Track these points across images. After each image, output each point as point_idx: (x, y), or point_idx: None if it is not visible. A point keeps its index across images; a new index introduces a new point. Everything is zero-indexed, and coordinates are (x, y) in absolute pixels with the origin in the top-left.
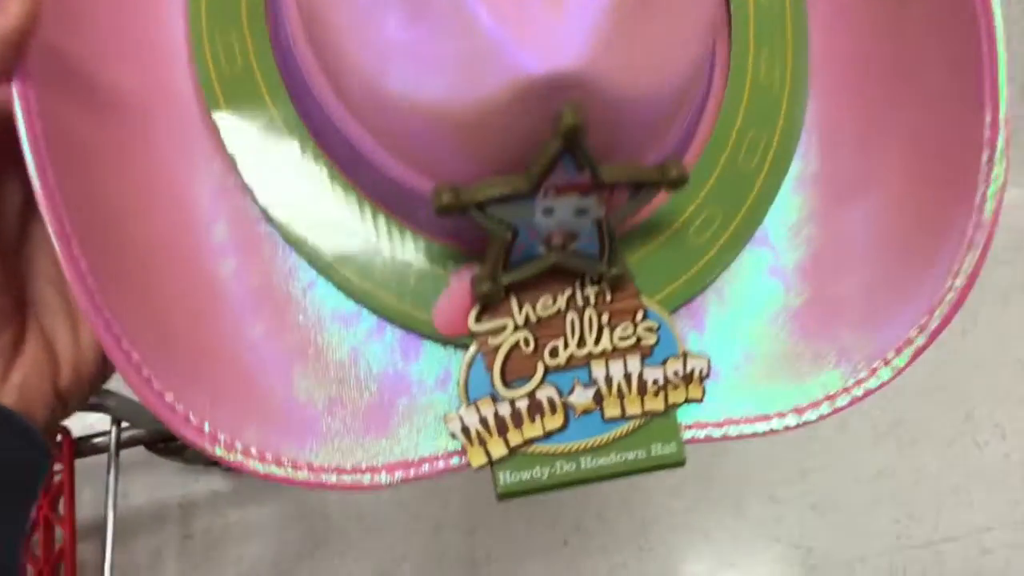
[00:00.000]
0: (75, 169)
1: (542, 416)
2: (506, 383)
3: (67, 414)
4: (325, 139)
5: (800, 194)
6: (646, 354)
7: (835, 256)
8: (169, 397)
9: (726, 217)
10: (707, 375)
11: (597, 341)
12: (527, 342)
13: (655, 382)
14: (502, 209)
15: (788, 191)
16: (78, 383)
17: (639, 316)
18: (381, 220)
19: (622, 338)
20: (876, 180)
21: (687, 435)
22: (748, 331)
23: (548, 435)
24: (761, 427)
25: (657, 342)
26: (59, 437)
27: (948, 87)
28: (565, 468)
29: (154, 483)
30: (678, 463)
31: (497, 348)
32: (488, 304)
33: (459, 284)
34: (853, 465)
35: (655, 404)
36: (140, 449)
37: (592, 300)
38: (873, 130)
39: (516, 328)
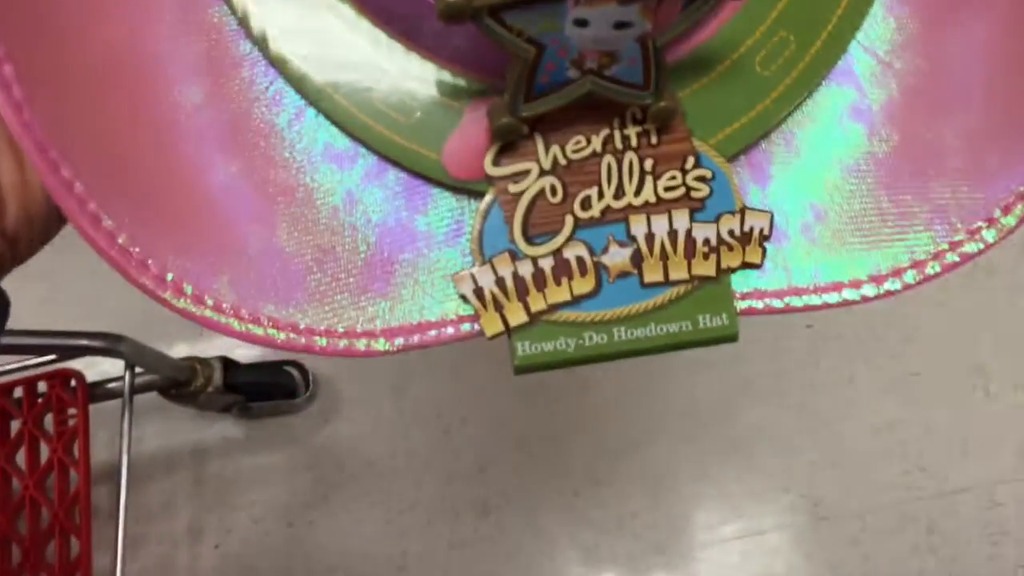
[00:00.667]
0: None
1: (570, 278)
2: (528, 238)
3: (17, 259)
4: None
5: (894, 16)
6: (696, 208)
7: (933, 93)
8: (123, 238)
9: (801, 44)
10: (769, 236)
11: (638, 191)
12: (554, 190)
13: (706, 242)
14: (523, 17)
15: (880, 12)
16: (27, 223)
17: (689, 162)
18: (382, 38)
19: (668, 188)
20: None
21: (742, 305)
22: (821, 184)
23: (576, 300)
24: (832, 297)
25: (710, 194)
26: (73, 382)
27: None
28: (595, 340)
29: (167, 429)
30: (730, 337)
31: (519, 196)
32: (509, 143)
33: (474, 119)
34: (864, 416)
35: (705, 268)
36: (153, 395)
37: (633, 142)
38: None
39: (542, 173)
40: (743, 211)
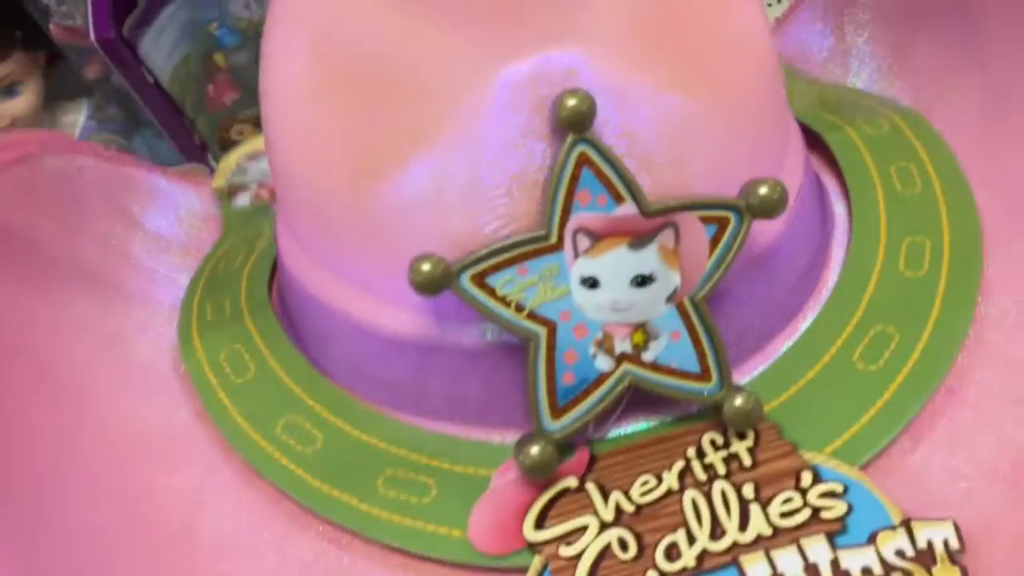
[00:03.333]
0: None
1: None
2: None
3: None
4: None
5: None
6: (836, 531)
7: None
8: None
9: (906, 336)
10: (961, 547)
11: (743, 525)
12: (624, 544)
13: (867, 572)
14: (517, 282)
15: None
16: None
17: (805, 479)
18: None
19: (785, 514)
20: None
21: None
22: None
23: None
24: None
25: (849, 511)
26: None
27: None
28: None
29: None
30: None
31: (576, 559)
32: (555, 500)
33: (506, 481)
34: None
35: None
36: None
37: (720, 470)
38: None
39: (604, 527)
40: (908, 524)
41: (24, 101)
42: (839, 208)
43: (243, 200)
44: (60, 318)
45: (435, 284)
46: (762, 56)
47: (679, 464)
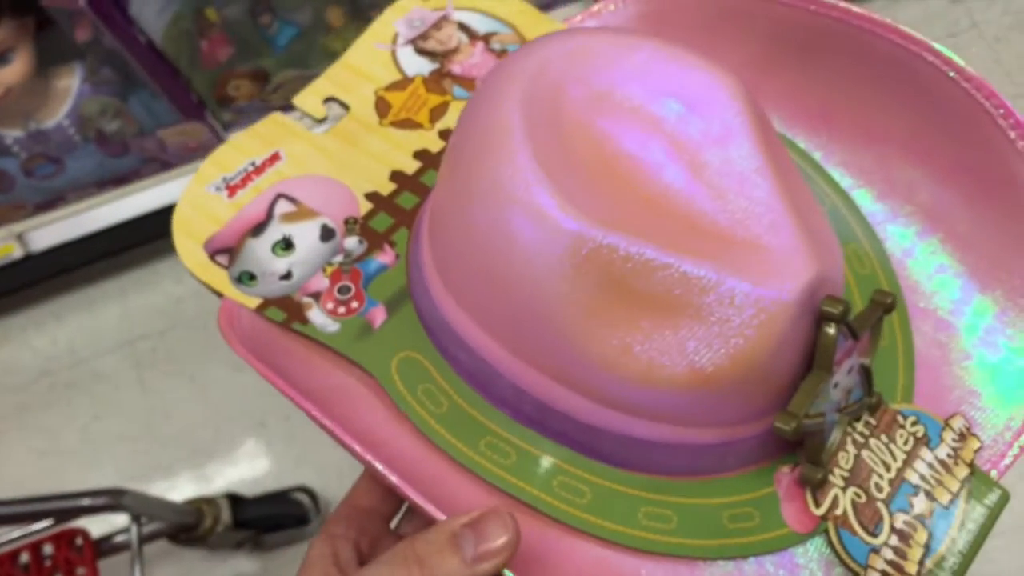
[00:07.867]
0: None
1: (913, 538)
2: (870, 532)
3: None
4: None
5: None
6: (926, 442)
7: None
8: None
9: (889, 327)
10: (971, 426)
11: (893, 458)
12: (858, 495)
13: (949, 456)
14: (817, 403)
15: (895, 263)
16: None
17: (900, 420)
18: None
19: (904, 443)
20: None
21: (994, 474)
22: (971, 371)
23: (927, 549)
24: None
25: (926, 429)
26: (79, 540)
27: None
28: (952, 561)
29: (180, 572)
30: (1006, 498)
31: (844, 514)
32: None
33: (786, 491)
34: None
35: (962, 470)
36: (163, 542)
37: (866, 432)
38: None
39: (843, 490)
40: (946, 422)
41: (17, 68)
42: None
43: (319, 318)
44: None
45: (797, 433)
46: None
47: (849, 440)
